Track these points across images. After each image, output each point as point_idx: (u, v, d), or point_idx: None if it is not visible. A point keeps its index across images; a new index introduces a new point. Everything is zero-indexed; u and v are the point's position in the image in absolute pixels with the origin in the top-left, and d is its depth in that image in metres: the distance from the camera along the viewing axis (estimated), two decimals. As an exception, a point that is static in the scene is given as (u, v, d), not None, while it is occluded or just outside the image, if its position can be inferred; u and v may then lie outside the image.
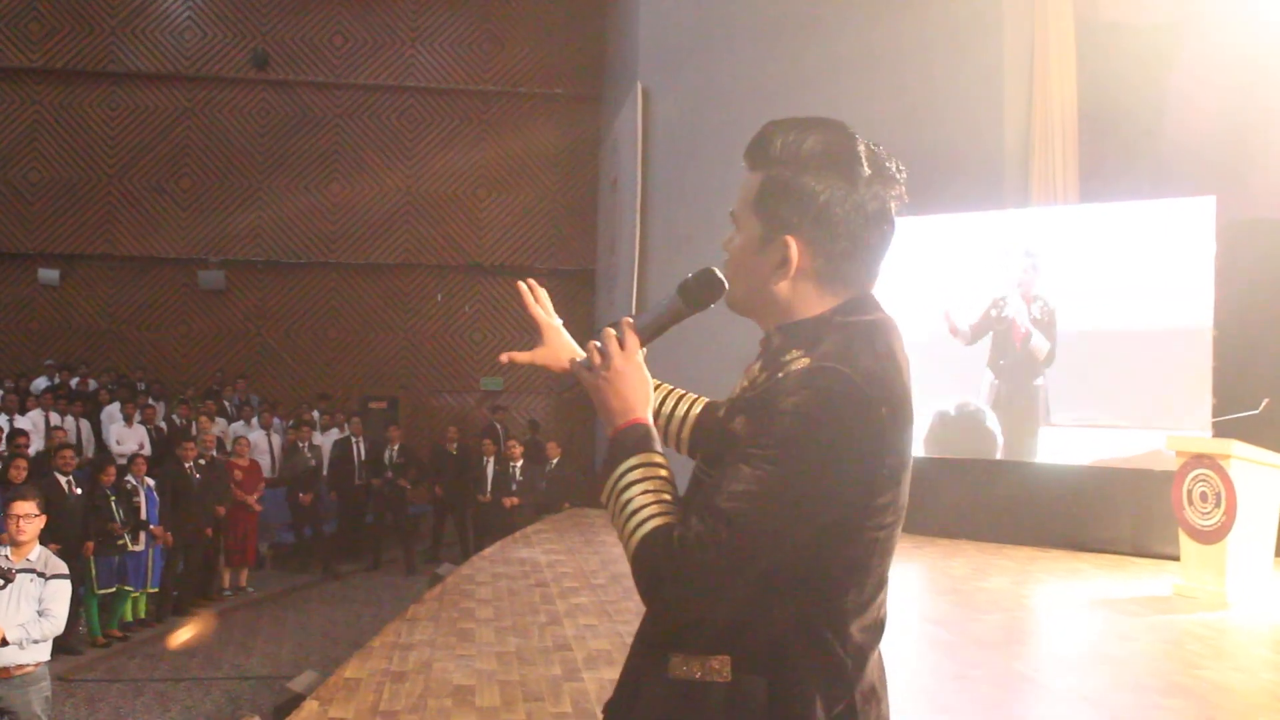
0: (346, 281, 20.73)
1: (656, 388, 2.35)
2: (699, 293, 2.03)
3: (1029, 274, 12.04)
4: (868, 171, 1.94)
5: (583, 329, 18.15)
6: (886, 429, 1.84)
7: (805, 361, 1.86)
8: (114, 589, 11.07)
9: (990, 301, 12.22)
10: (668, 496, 1.88)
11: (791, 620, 1.89)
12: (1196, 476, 9.33)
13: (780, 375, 1.88)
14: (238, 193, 20.43)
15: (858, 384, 1.82)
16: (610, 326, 2.02)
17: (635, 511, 1.86)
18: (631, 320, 2.03)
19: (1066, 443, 11.80)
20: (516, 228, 21.06)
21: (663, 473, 1.91)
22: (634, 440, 1.94)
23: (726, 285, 2.03)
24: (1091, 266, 11.69)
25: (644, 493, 1.88)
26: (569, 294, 20.90)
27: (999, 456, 12.18)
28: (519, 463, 15.06)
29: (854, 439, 1.81)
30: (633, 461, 1.91)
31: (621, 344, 2.00)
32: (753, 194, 1.98)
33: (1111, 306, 11.50)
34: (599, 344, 2.01)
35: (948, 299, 12.29)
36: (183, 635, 9.54)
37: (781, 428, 1.80)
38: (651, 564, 1.81)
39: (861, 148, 1.95)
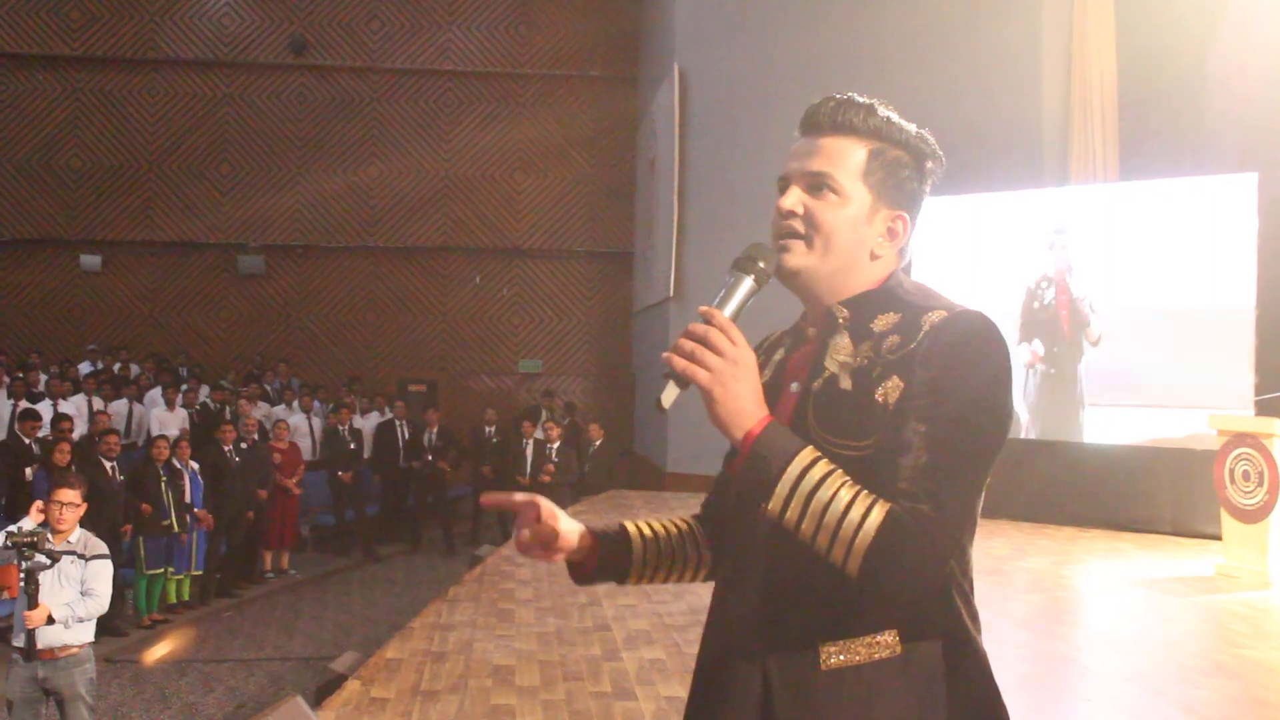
0: (384, 265, 20.82)
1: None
2: (764, 270, 1.95)
3: (1060, 251, 11.96)
4: (937, 160, 2.05)
5: (621, 311, 18.31)
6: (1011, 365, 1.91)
7: (943, 313, 1.87)
8: (160, 570, 11.18)
9: (1027, 292, 12.14)
10: (855, 483, 1.79)
11: (948, 577, 1.90)
12: (1238, 455, 9.27)
13: (926, 328, 1.85)
14: (276, 178, 20.56)
15: (996, 325, 1.88)
16: (694, 324, 1.86)
17: (849, 505, 1.75)
18: (718, 310, 1.88)
19: (1108, 423, 11.73)
20: (553, 210, 21.08)
21: (831, 464, 1.81)
22: (784, 439, 1.83)
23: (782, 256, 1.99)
24: (1132, 245, 11.60)
25: (843, 485, 1.77)
26: (606, 276, 21.01)
27: (1024, 435, 12.13)
28: (556, 444, 15.09)
29: (1008, 374, 1.88)
30: (804, 460, 1.80)
31: (728, 336, 1.83)
32: (860, 163, 1.97)
33: (1153, 285, 11.42)
34: (699, 341, 1.83)
35: (988, 279, 12.20)
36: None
37: (950, 375, 1.82)
38: (902, 547, 1.74)
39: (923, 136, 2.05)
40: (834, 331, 1.98)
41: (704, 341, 1.83)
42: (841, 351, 1.95)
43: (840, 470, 1.80)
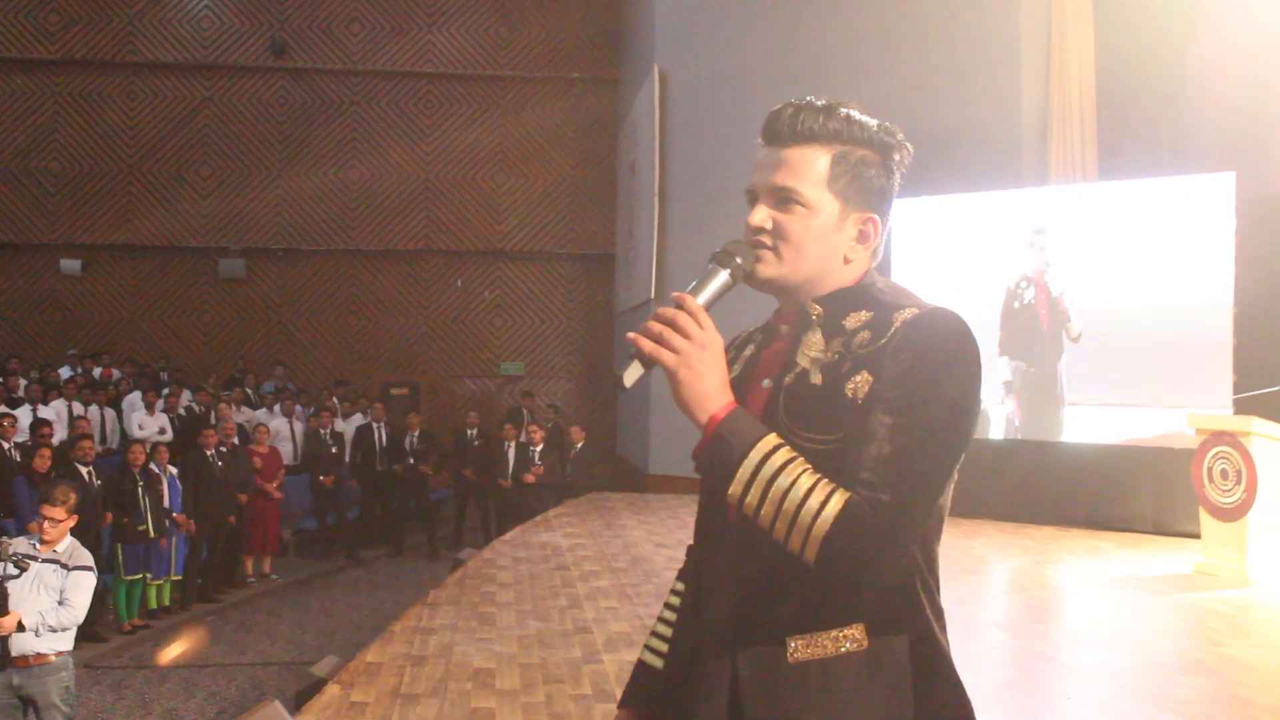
0: (366, 268, 20.79)
1: None
2: (741, 266, 1.97)
3: (1040, 251, 11.99)
4: (904, 151, 2.03)
5: (603, 314, 18.33)
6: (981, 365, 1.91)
7: (914, 310, 1.87)
8: (138, 576, 11.14)
9: (1007, 292, 12.16)
10: (816, 471, 1.81)
11: (914, 571, 1.92)
12: (1217, 454, 9.30)
13: (897, 324, 1.86)
14: (257, 180, 20.52)
15: (967, 324, 1.88)
16: (665, 308, 1.89)
17: (809, 492, 1.77)
18: (689, 295, 1.90)
19: (1087, 422, 11.76)
20: (535, 212, 21.09)
21: (793, 451, 1.83)
22: (747, 424, 1.85)
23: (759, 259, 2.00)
24: (1111, 245, 11.63)
25: (804, 472, 1.79)
26: (588, 278, 21.02)
27: (1003, 435, 12.16)
28: (540, 447, 15.08)
29: (977, 373, 1.87)
30: (766, 445, 1.81)
31: (696, 320, 1.86)
32: (823, 171, 1.97)
33: (1131, 284, 11.45)
34: (667, 324, 1.85)
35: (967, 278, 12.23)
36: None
37: (918, 370, 1.82)
38: (859, 536, 1.75)
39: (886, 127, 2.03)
40: (807, 328, 1.99)
41: (672, 324, 1.85)
42: (813, 347, 1.96)
43: (802, 458, 1.81)
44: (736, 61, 15.58)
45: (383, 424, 16.20)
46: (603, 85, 21.15)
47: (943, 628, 1.97)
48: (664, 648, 2.31)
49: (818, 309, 1.99)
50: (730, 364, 2.12)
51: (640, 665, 2.34)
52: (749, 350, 2.15)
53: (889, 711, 1.88)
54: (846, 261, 2.00)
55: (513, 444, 15.35)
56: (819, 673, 1.87)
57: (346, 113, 20.76)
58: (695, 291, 1.93)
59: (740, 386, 2.03)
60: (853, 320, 1.94)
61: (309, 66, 20.64)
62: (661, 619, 2.37)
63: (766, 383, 2.01)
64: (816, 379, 1.92)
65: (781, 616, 1.90)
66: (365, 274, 20.81)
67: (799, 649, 1.88)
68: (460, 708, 5.94)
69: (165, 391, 15.47)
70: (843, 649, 1.88)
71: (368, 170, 20.73)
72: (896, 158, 2.02)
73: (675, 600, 2.36)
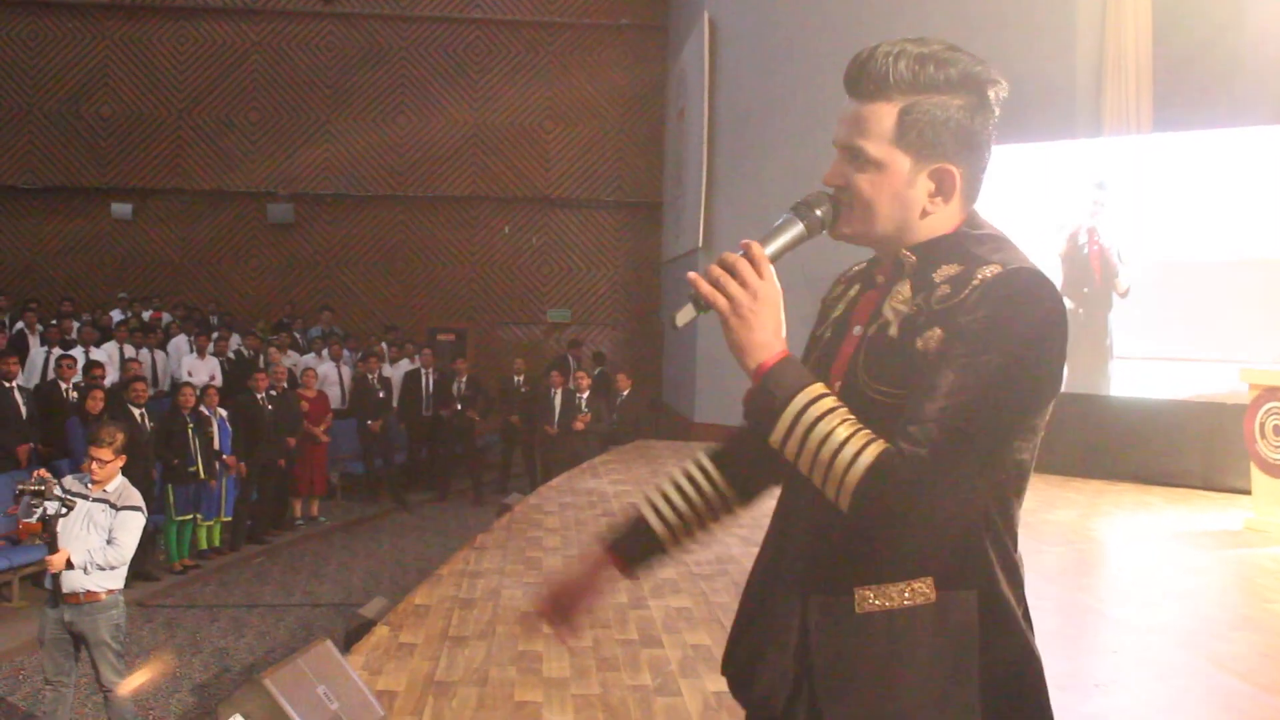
0: (414, 214, 20.82)
1: None
2: (820, 219, 1.96)
3: (1100, 206, 11.87)
4: (997, 86, 1.97)
5: (650, 261, 18.23)
6: (1067, 328, 1.87)
7: (997, 268, 1.84)
8: (189, 516, 11.28)
9: (1069, 236, 12.05)
10: (858, 422, 1.80)
11: (984, 528, 1.90)
12: (1269, 409, 9.21)
13: (976, 282, 1.82)
14: (306, 127, 20.55)
15: (1053, 285, 1.85)
16: (730, 254, 1.89)
17: (844, 442, 1.77)
18: (757, 243, 1.90)
19: (1139, 375, 11.67)
20: (583, 160, 21.03)
21: (837, 401, 1.83)
22: (794, 374, 1.84)
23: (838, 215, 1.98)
24: (1165, 197, 11.50)
25: (842, 422, 1.79)
26: (635, 226, 20.95)
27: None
28: (586, 394, 15.11)
29: (1055, 336, 1.84)
30: (808, 395, 1.82)
31: (757, 269, 1.86)
32: (890, 127, 1.91)
33: (1185, 237, 11.32)
34: (728, 271, 1.86)
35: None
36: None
37: (986, 329, 1.79)
38: (889, 488, 1.75)
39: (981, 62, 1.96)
40: (899, 278, 1.97)
41: (731, 270, 1.86)
42: (899, 299, 1.94)
43: (844, 409, 1.81)
44: (786, 8, 15.42)
45: (430, 369, 16.29)
46: (652, 32, 21.01)
47: (1014, 584, 1.95)
48: (668, 513, 2.29)
49: (911, 258, 1.96)
50: (835, 301, 2.15)
51: (640, 520, 2.32)
52: (854, 290, 2.12)
53: (954, 665, 1.88)
54: (924, 215, 1.95)
55: (559, 391, 15.40)
56: (885, 624, 1.88)
57: (395, 59, 20.73)
58: (766, 240, 1.92)
59: (837, 332, 2.06)
60: (941, 274, 1.90)
61: (358, 12, 20.61)
62: (674, 483, 2.33)
63: (857, 329, 2.01)
64: (894, 331, 1.91)
65: (852, 567, 1.90)
66: (413, 220, 20.84)
67: (868, 599, 1.89)
68: (507, 650, 5.99)
69: (215, 336, 15.58)
70: (911, 601, 1.88)
71: (416, 117, 20.72)
72: (991, 94, 1.96)
73: (694, 471, 2.34)
